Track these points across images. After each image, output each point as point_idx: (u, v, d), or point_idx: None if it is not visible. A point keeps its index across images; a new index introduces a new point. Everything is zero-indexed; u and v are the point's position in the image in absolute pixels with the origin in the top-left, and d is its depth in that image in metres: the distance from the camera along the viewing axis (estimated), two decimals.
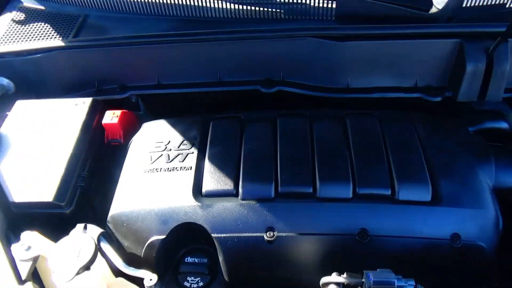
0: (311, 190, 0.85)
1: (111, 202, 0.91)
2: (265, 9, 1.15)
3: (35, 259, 0.79)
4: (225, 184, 0.87)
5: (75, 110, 1.05)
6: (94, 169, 1.00)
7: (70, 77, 1.14)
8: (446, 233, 0.83)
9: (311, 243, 0.83)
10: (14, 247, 0.80)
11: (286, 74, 1.11)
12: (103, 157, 1.05)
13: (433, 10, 1.07)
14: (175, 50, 1.09)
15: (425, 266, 0.84)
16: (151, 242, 0.85)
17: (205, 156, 0.92)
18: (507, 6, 1.08)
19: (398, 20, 1.04)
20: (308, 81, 1.10)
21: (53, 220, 0.90)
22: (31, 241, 0.80)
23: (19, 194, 0.89)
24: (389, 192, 0.85)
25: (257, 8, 1.15)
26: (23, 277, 0.76)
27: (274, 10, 1.14)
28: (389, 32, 1.01)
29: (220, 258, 0.85)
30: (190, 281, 0.90)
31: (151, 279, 0.74)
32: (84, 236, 0.77)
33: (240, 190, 0.86)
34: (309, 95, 1.09)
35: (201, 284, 0.90)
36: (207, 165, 0.91)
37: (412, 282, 0.72)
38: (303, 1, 1.13)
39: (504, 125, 1.03)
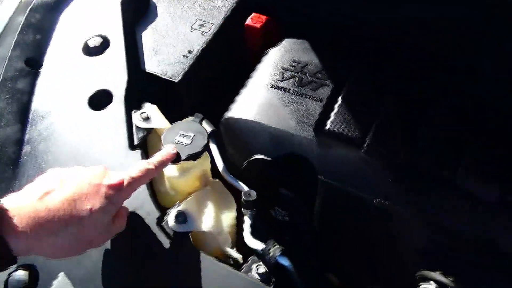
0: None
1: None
2: None
3: (149, 131, 0.80)
4: (353, 131, 0.78)
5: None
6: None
7: None
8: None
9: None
10: (134, 113, 0.82)
11: None
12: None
13: None
14: None
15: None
16: (255, 159, 0.82)
17: (340, 94, 0.83)
18: None
19: None
20: None
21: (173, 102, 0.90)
22: (151, 113, 0.81)
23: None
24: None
25: None
26: (136, 142, 0.78)
27: None
28: None
29: (317, 203, 0.79)
30: (277, 211, 0.87)
31: (250, 195, 0.71)
32: (199, 128, 0.75)
33: (367, 143, 0.76)
34: None
35: (286, 218, 0.86)
36: (340, 104, 0.81)
37: None
38: None
39: None
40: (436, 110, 0.78)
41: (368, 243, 0.81)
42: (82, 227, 0.54)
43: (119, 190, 0.59)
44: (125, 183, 0.59)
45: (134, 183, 0.61)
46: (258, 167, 0.82)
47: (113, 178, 0.59)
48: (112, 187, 0.58)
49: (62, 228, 0.53)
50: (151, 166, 0.63)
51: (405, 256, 0.76)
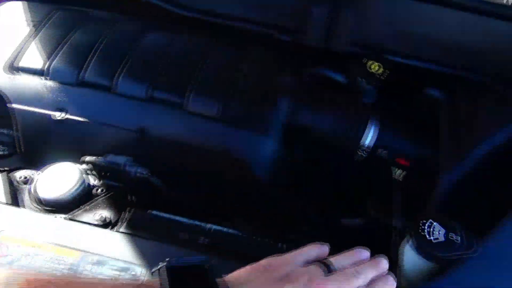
0: (110, 83, 0.90)
1: None
2: None
3: None
4: (38, 63, 0.92)
5: None
6: None
7: None
8: (220, 148, 0.87)
9: (97, 130, 0.88)
10: None
11: None
12: None
13: None
14: None
15: (201, 173, 0.89)
16: None
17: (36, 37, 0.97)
18: None
19: None
20: None
21: None
22: None
23: None
24: (180, 101, 0.89)
25: None
26: None
27: None
28: None
29: (16, 131, 0.91)
30: None
31: None
32: None
33: (49, 69, 0.91)
34: (177, 13, 1.11)
35: (6, 152, 0.97)
36: (34, 45, 0.96)
37: (145, 171, 0.77)
38: None
39: (340, 77, 1.04)
40: None
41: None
42: None
43: None
44: None
45: None
46: None
47: None
48: None
49: None
50: None
51: None
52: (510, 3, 1.01)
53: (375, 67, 1.01)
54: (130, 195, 0.80)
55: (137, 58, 0.93)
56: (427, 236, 0.67)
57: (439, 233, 0.68)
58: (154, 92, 0.89)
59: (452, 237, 0.67)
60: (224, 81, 0.92)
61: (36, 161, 0.94)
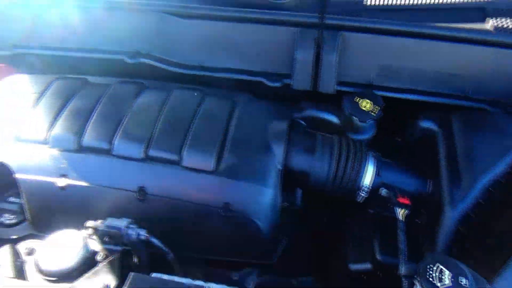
0: (108, 146, 0.92)
1: None
2: None
3: None
4: (39, 133, 0.96)
5: None
6: None
7: None
8: (220, 201, 0.87)
9: (98, 193, 0.90)
10: None
11: (152, 49, 1.18)
12: None
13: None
14: (55, 16, 1.19)
15: (198, 229, 0.89)
16: None
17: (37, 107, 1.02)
18: (363, 3, 1.09)
19: (249, 6, 1.08)
20: (168, 57, 1.16)
21: None
22: None
23: None
24: (176, 158, 0.90)
25: None
26: None
27: None
28: (228, 15, 1.06)
29: (23, 199, 0.94)
30: (5, 217, 1.00)
31: None
32: None
33: (50, 138, 0.94)
34: (170, 71, 1.16)
35: (14, 221, 0.99)
36: (35, 115, 1.00)
37: (145, 233, 0.78)
38: None
39: (333, 118, 1.05)
40: None
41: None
42: None
43: None
44: None
45: None
46: None
47: None
48: None
49: None
50: None
51: None
52: (493, 29, 1.02)
53: (366, 104, 1.02)
54: (132, 257, 0.80)
55: (132, 120, 0.96)
56: (436, 282, 0.66)
57: (447, 278, 0.66)
58: (150, 151, 0.91)
59: (462, 282, 0.65)
60: (216, 133, 0.94)
61: (43, 228, 0.96)
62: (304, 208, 0.98)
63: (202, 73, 1.13)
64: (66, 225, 0.92)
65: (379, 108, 1.00)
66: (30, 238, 0.92)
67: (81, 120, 0.96)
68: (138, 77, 1.13)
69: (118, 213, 0.87)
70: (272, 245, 0.93)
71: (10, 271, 0.74)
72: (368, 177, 0.91)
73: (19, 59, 1.24)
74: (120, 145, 0.92)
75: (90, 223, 0.83)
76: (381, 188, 0.91)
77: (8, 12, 1.21)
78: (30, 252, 0.81)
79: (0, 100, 1.07)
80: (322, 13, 0.93)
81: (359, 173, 0.91)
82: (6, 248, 0.79)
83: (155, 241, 0.79)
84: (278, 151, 0.92)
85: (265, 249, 0.92)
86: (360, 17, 1.05)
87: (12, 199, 1.03)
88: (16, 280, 0.73)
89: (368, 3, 1.09)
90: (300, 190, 0.98)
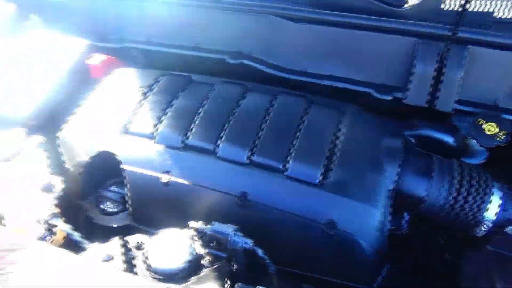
0: (213, 148, 0.92)
1: None
2: None
3: None
4: (146, 127, 0.98)
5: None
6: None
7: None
8: (324, 217, 0.82)
9: (199, 193, 0.90)
10: None
11: (254, 50, 1.16)
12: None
13: (406, 7, 1.02)
14: (162, 13, 1.22)
15: (299, 244, 0.85)
16: (77, 162, 1.00)
17: (144, 103, 1.04)
18: (493, 15, 0.99)
19: (366, 13, 1.02)
20: (271, 60, 1.14)
21: None
22: None
23: None
24: (280, 166, 0.87)
25: None
26: None
27: None
28: (345, 21, 1.00)
29: (127, 190, 0.96)
30: (106, 205, 1.04)
31: None
32: None
33: (157, 134, 0.96)
34: (270, 73, 1.14)
35: (114, 210, 1.03)
36: (143, 110, 1.02)
37: (250, 243, 0.75)
38: None
39: (448, 139, 0.96)
40: None
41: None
42: None
43: None
44: None
45: None
46: (82, 168, 1.00)
47: None
48: None
49: None
50: None
51: None
52: None
53: (490, 127, 0.92)
54: (235, 266, 0.78)
55: (237, 123, 0.95)
56: None
57: None
58: (255, 156, 0.89)
59: None
60: (324, 144, 0.90)
61: (142, 220, 0.98)
62: (410, 233, 0.91)
63: (305, 79, 1.09)
64: (164, 221, 0.93)
65: (506, 134, 0.90)
66: (136, 234, 0.92)
67: (187, 118, 0.97)
68: (238, 77, 1.13)
69: (216, 216, 0.86)
70: (375, 270, 0.86)
71: (121, 263, 0.76)
72: (492, 210, 0.82)
73: (125, 53, 1.29)
74: (224, 147, 0.91)
75: (193, 223, 0.83)
76: (508, 226, 0.81)
77: (118, 6, 1.26)
78: (139, 247, 0.82)
79: (109, 92, 1.11)
80: (456, 26, 0.84)
81: (482, 205, 0.82)
82: (117, 240, 0.80)
83: (259, 252, 0.76)
84: (391, 170, 0.86)
85: (367, 273, 0.86)
86: (490, 31, 0.95)
87: (113, 188, 1.06)
88: (128, 274, 0.73)
89: (499, 15, 0.99)
90: (407, 214, 0.90)
